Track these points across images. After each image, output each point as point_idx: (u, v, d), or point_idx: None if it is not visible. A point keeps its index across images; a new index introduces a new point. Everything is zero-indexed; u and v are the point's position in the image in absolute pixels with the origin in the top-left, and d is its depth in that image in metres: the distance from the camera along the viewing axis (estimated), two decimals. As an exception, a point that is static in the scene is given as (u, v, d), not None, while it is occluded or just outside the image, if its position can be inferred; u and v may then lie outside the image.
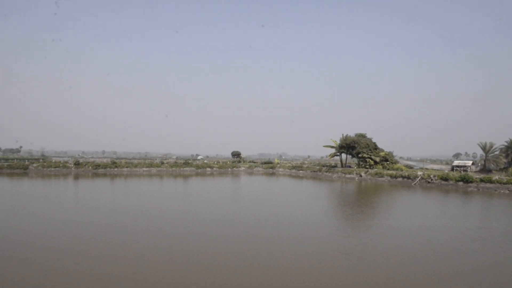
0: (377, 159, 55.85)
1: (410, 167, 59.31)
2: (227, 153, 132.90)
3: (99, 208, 22.38)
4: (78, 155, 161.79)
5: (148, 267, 10.66)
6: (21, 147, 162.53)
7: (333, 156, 67.31)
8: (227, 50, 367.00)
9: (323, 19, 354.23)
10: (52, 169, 60.39)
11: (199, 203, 26.03)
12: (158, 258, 11.54)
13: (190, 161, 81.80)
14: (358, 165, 59.22)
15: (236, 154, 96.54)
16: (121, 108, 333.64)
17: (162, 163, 74.60)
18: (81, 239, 13.92)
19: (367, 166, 55.91)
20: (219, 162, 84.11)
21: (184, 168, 69.69)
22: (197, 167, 71.89)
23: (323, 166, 67.43)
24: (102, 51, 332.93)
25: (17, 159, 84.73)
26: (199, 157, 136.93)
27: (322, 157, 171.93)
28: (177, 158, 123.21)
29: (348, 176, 54.34)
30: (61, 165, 62.77)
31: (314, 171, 63.84)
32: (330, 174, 58.64)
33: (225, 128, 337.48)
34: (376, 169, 52.78)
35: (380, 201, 28.98)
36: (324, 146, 68.07)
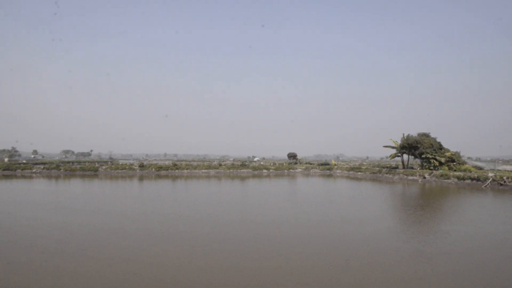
0: (443, 160, 52.56)
1: (480, 168, 55.02)
2: (283, 155, 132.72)
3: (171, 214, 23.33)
4: (142, 157, 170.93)
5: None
6: (91, 150, 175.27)
7: (393, 157, 64.54)
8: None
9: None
10: (119, 171, 64.47)
11: (263, 205, 26.19)
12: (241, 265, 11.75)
13: (246, 163, 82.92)
14: (421, 166, 56.18)
15: (292, 156, 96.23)
16: (184, 112, 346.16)
17: (220, 165, 76.42)
18: (155, 242, 14.58)
19: (431, 168, 52.83)
20: (275, 164, 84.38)
21: (241, 170, 70.76)
22: (254, 168, 72.64)
23: (383, 167, 64.90)
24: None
25: (88, 162, 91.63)
26: (255, 159, 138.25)
27: (381, 158, 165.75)
28: (234, 160, 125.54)
29: (410, 178, 51.79)
30: (127, 167, 66.88)
31: (374, 173, 61.66)
32: (390, 175, 56.31)
33: (280, 130, 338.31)
34: (441, 171, 49.71)
35: (448, 204, 27.21)
36: (384, 147, 65.52)
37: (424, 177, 49.32)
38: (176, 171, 66.59)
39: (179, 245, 13.36)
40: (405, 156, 61.81)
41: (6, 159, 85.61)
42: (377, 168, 64.22)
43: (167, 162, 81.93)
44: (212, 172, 67.80)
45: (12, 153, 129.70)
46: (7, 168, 62.10)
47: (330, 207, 25.08)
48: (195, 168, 69.82)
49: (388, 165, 68.65)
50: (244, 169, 71.64)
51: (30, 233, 15.15)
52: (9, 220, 18.30)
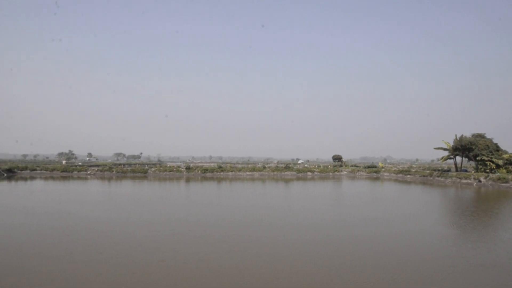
0: (500, 162, 49.33)
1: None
2: (327, 157, 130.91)
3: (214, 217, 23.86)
4: (189, 160, 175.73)
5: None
6: (141, 153, 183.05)
7: (445, 159, 61.52)
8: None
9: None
10: (167, 173, 66.81)
11: (310, 208, 26.07)
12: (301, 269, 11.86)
13: (290, 165, 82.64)
14: (476, 169, 53.06)
15: (337, 158, 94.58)
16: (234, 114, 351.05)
17: (264, 167, 76.85)
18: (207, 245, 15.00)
19: (487, 170, 49.75)
20: (320, 166, 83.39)
21: (285, 172, 70.64)
22: (298, 171, 72.24)
23: (434, 170, 62.04)
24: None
25: (138, 164, 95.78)
26: (299, 161, 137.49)
27: (432, 161, 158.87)
28: (278, 162, 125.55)
29: (464, 181, 49.10)
30: (174, 169, 69.19)
31: (424, 176, 59.13)
32: (442, 179, 53.70)
33: (325, 132, 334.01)
34: (498, 174, 46.67)
35: (508, 210, 25.50)
36: (435, 149, 62.64)
37: (480, 181, 46.55)
38: (221, 173, 67.80)
39: (232, 249, 13.61)
40: (458, 158, 58.82)
41: (64, 162, 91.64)
42: (428, 171, 61.52)
43: (212, 165, 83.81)
44: (256, 174, 68.29)
45: (69, 156, 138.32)
46: (65, 170, 66.61)
47: (383, 213, 24.39)
48: (239, 170, 70.74)
49: (440, 168, 65.57)
50: (288, 171, 71.46)
51: (88, 233, 16.11)
52: (71, 220, 19.49)
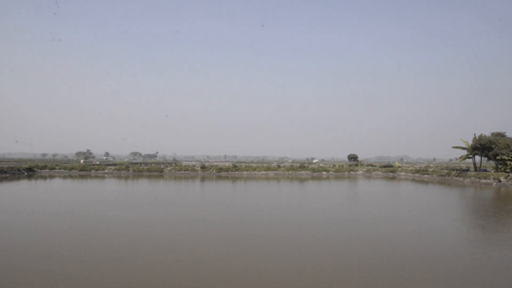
0: (521, 162, 48.14)
1: None
2: (343, 157, 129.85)
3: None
4: (204, 159, 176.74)
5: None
6: (157, 152, 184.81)
7: (464, 159, 60.39)
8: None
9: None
10: (183, 172, 67.44)
11: (325, 208, 25.97)
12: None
13: (305, 165, 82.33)
14: (496, 169, 51.89)
15: (353, 157, 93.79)
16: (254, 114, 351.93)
17: (279, 166, 76.80)
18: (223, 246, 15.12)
19: (508, 170, 48.58)
20: (335, 166, 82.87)
21: (300, 172, 70.39)
22: (313, 170, 71.92)
23: (452, 170, 60.90)
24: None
25: (154, 163, 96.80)
26: (314, 161, 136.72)
27: (450, 160, 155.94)
28: (293, 161, 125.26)
29: (483, 181, 48.08)
30: (189, 168, 69.80)
31: (442, 176, 58.15)
32: (461, 179, 52.69)
33: (340, 131, 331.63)
34: (520, 174, 45.55)
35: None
36: (453, 148, 61.54)
37: (499, 181, 45.51)
38: (236, 172, 68.07)
39: (251, 249, 13.66)
40: (477, 158, 57.66)
41: (82, 161, 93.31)
42: (446, 171, 60.45)
43: (227, 164, 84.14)
44: (271, 173, 68.27)
45: (87, 155, 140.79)
46: (83, 169, 67.86)
47: (403, 213, 24.10)
48: (254, 169, 70.87)
49: (458, 168, 64.32)
50: (303, 171, 71.21)
51: (102, 232, 16.40)
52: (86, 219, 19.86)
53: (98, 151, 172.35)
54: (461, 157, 60.77)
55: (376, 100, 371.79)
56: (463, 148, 59.05)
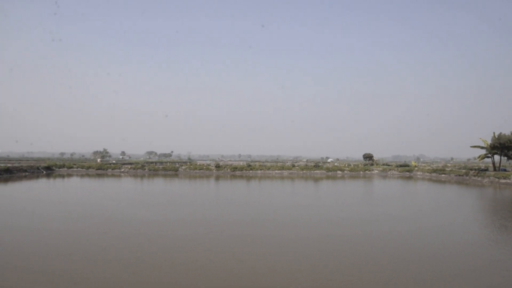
0: (543, 162, 46.96)
1: None
2: (358, 156, 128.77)
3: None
4: (218, 158, 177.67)
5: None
6: (172, 152, 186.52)
7: (483, 158, 59.22)
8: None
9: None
10: (197, 171, 67.88)
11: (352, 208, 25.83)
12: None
13: (320, 164, 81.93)
14: (517, 169, 50.77)
15: (368, 157, 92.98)
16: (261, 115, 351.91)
17: (293, 165, 76.65)
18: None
19: (529, 170, 47.47)
20: (350, 165, 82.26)
21: (315, 171, 70.12)
22: (328, 169, 71.55)
23: (470, 169, 59.75)
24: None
25: (169, 162, 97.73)
26: (329, 160, 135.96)
27: (468, 159, 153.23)
28: (307, 161, 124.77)
29: (502, 181, 47.05)
30: (204, 167, 70.23)
31: (460, 175, 57.11)
32: (479, 178, 51.67)
33: (354, 130, 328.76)
34: (541, 174, 44.45)
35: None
36: (472, 147, 60.41)
37: (520, 181, 44.49)
38: (250, 171, 68.19)
39: (269, 250, 13.69)
40: (497, 157, 56.48)
41: (98, 160, 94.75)
42: (464, 170, 59.35)
43: (241, 163, 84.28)
44: (285, 173, 68.16)
45: (104, 154, 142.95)
46: (99, 167, 69.07)
47: (424, 211, 23.80)
48: (268, 168, 70.87)
49: (477, 167, 63.05)
50: (317, 170, 70.90)
51: (117, 230, 16.64)
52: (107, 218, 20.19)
53: (115, 150, 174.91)
54: (479, 157, 59.60)
55: (385, 97, 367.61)
56: (482, 147, 57.90)
